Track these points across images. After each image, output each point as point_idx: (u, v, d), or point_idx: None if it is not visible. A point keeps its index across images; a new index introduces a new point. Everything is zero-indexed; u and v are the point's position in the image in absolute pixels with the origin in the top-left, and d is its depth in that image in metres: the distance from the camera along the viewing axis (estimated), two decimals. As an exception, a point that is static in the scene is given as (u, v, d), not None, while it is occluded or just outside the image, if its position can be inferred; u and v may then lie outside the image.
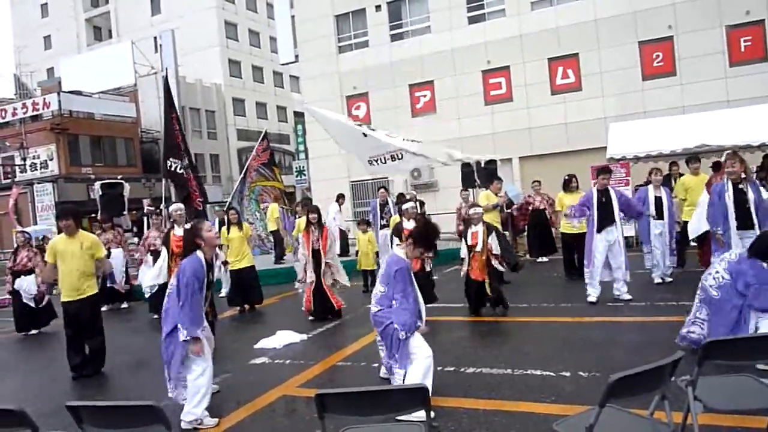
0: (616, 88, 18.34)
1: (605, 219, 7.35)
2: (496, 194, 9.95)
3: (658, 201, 8.24)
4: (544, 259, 11.70)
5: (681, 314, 5.85)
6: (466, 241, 7.25)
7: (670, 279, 8.28)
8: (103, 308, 10.23)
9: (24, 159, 27.34)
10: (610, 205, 7.37)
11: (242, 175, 15.53)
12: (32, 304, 9.24)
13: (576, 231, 9.01)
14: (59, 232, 6.33)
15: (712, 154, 10.83)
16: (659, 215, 8.22)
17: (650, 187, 8.44)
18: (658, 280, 8.24)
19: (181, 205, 8.15)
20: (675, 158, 11.35)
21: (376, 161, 9.24)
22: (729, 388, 3.09)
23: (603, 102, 18.54)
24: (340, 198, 14.08)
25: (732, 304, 4.47)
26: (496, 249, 7.05)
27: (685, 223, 8.45)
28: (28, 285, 9.20)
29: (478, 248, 7.05)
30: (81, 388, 5.78)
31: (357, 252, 10.66)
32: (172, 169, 11.23)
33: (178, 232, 7.22)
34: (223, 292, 10.89)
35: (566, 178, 9.65)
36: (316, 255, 7.85)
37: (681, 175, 9.89)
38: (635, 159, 12.42)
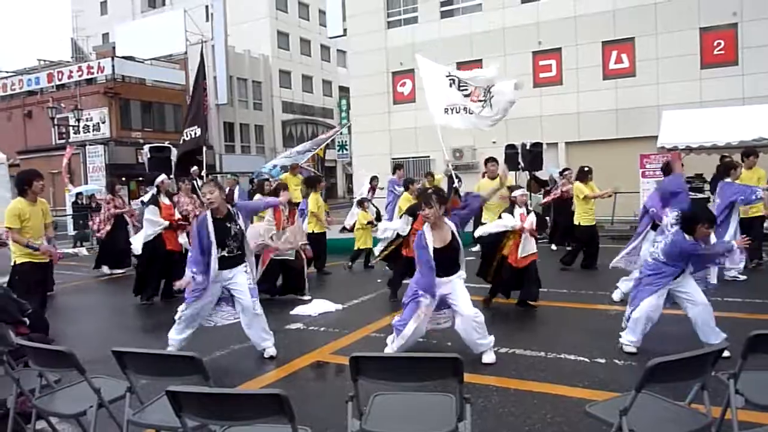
0: (672, 76, 17.65)
1: None
2: (492, 179, 8.94)
3: None
4: (554, 247, 11.32)
5: (727, 310, 5.70)
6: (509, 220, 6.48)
7: None
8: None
9: (78, 120, 28.11)
10: None
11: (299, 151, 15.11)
12: None
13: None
14: (20, 193, 5.67)
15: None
16: None
17: None
18: None
19: (164, 176, 8.26)
20: (730, 151, 10.91)
21: (451, 110, 9.30)
22: (774, 383, 2.98)
23: (657, 89, 17.90)
24: (374, 180, 11.93)
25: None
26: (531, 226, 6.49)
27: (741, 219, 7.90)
28: None
29: (525, 233, 6.44)
30: (128, 340, 6.01)
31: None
32: (189, 138, 11.27)
33: (166, 200, 8.02)
34: None
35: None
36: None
37: None
38: (687, 150, 12.00)
